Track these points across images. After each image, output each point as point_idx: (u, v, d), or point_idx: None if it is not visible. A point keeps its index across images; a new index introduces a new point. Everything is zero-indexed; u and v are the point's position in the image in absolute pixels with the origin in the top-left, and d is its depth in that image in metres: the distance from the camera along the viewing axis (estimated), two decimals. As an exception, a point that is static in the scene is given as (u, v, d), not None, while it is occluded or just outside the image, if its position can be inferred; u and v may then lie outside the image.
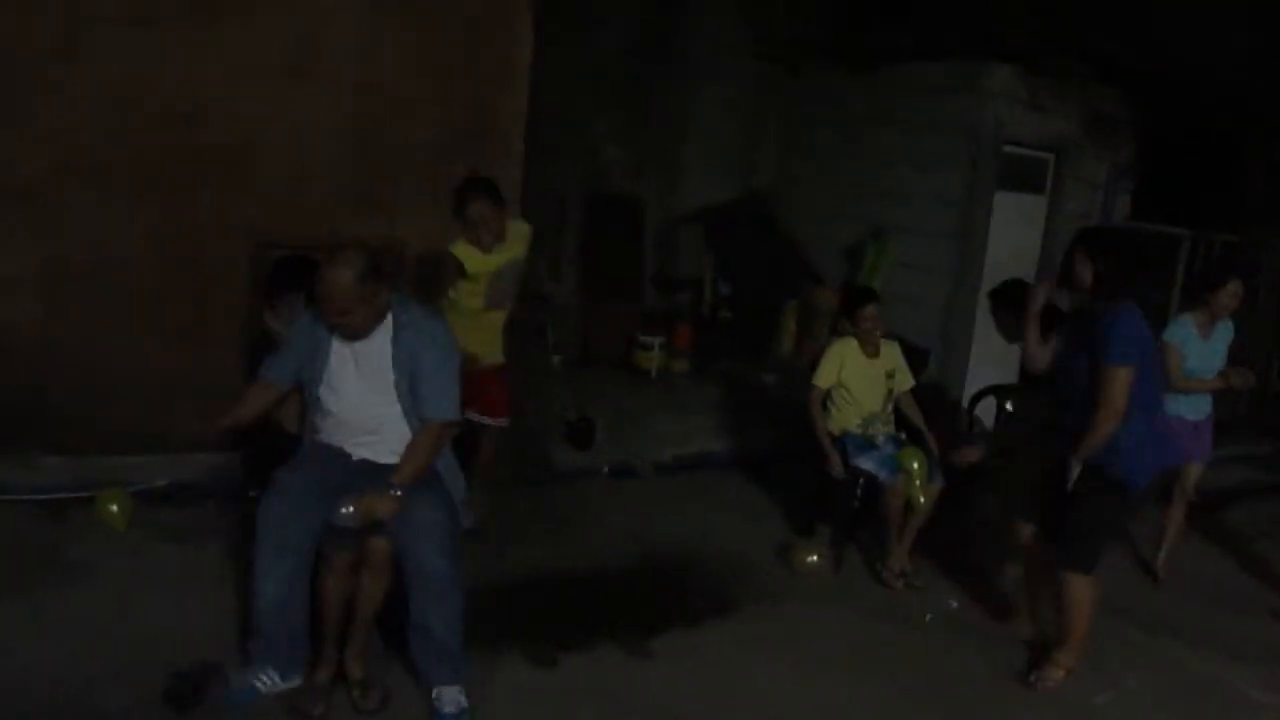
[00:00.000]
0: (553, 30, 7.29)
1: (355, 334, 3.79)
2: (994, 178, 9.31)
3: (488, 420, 5.55)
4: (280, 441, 4.15)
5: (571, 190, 9.80)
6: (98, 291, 5.78)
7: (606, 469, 7.06)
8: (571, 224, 9.90)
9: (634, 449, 7.43)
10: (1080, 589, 4.64)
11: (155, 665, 3.90)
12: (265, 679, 3.78)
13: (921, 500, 5.59)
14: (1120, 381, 4.29)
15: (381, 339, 3.82)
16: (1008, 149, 9.36)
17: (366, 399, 3.86)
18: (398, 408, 3.87)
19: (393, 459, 3.85)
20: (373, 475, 3.80)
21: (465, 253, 5.16)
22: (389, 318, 3.83)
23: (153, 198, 5.86)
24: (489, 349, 5.45)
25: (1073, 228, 9.78)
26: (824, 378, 5.87)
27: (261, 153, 6.10)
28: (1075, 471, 4.44)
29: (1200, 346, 5.92)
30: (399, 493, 3.68)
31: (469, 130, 6.62)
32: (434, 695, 3.84)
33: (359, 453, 3.93)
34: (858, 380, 5.86)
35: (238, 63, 5.95)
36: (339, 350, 3.86)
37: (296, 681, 3.84)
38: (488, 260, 5.21)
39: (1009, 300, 5.30)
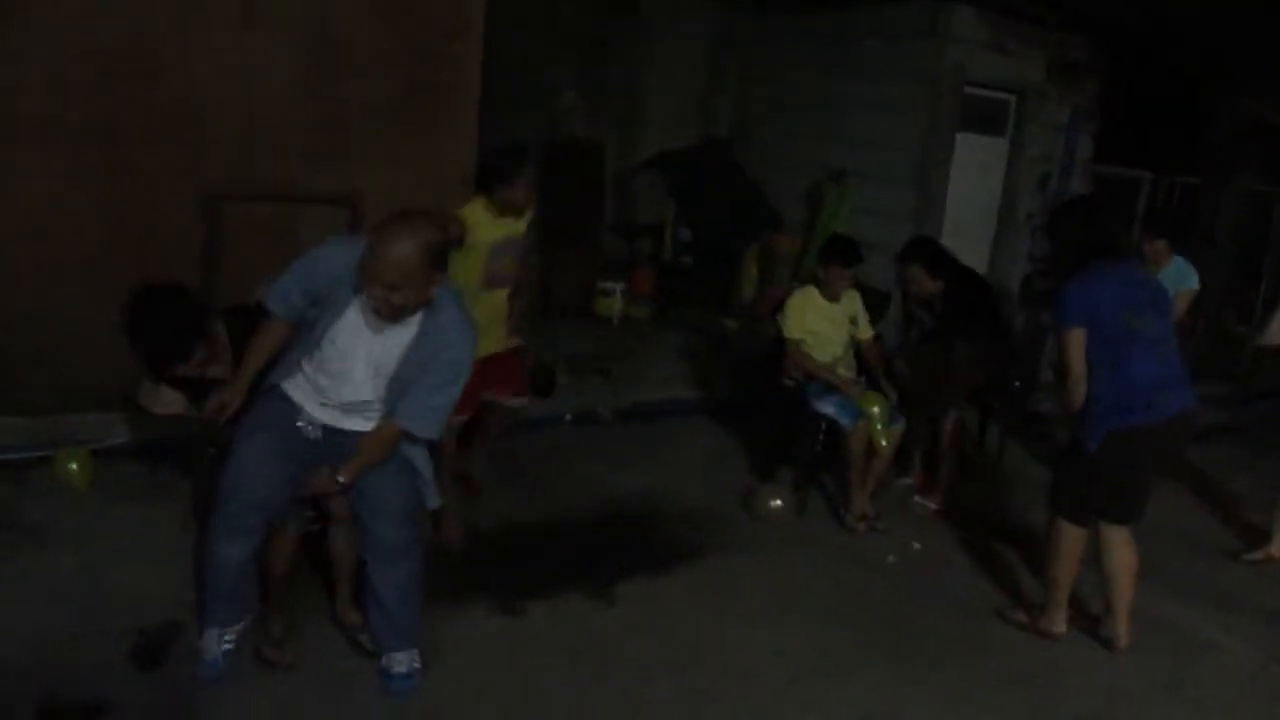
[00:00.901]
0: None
1: (388, 317, 3.36)
2: (955, 120, 9.31)
3: (503, 400, 5.27)
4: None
5: (530, 137, 9.71)
6: (49, 250, 5.66)
7: (569, 417, 7.07)
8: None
9: (596, 396, 7.44)
10: (1053, 529, 4.74)
11: (120, 625, 3.90)
12: (230, 640, 3.77)
13: (884, 443, 5.66)
14: (1066, 344, 4.44)
15: (403, 335, 3.43)
16: (969, 90, 9.35)
17: (358, 383, 3.51)
18: (382, 402, 3.54)
19: (362, 427, 3.59)
20: (335, 444, 3.59)
21: (476, 217, 4.81)
22: (420, 314, 3.42)
23: (102, 153, 5.73)
24: (496, 334, 5.06)
25: (1035, 169, 9.92)
26: (794, 329, 5.89)
27: (212, 106, 5.96)
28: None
29: None
30: (343, 482, 3.50)
31: (424, 80, 6.53)
32: (383, 661, 3.84)
33: (327, 415, 3.59)
34: (821, 325, 5.89)
35: (187, 13, 5.82)
36: (354, 320, 3.44)
37: (246, 622, 3.82)
38: (490, 231, 4.83)
39: (918, 258, 5.91)
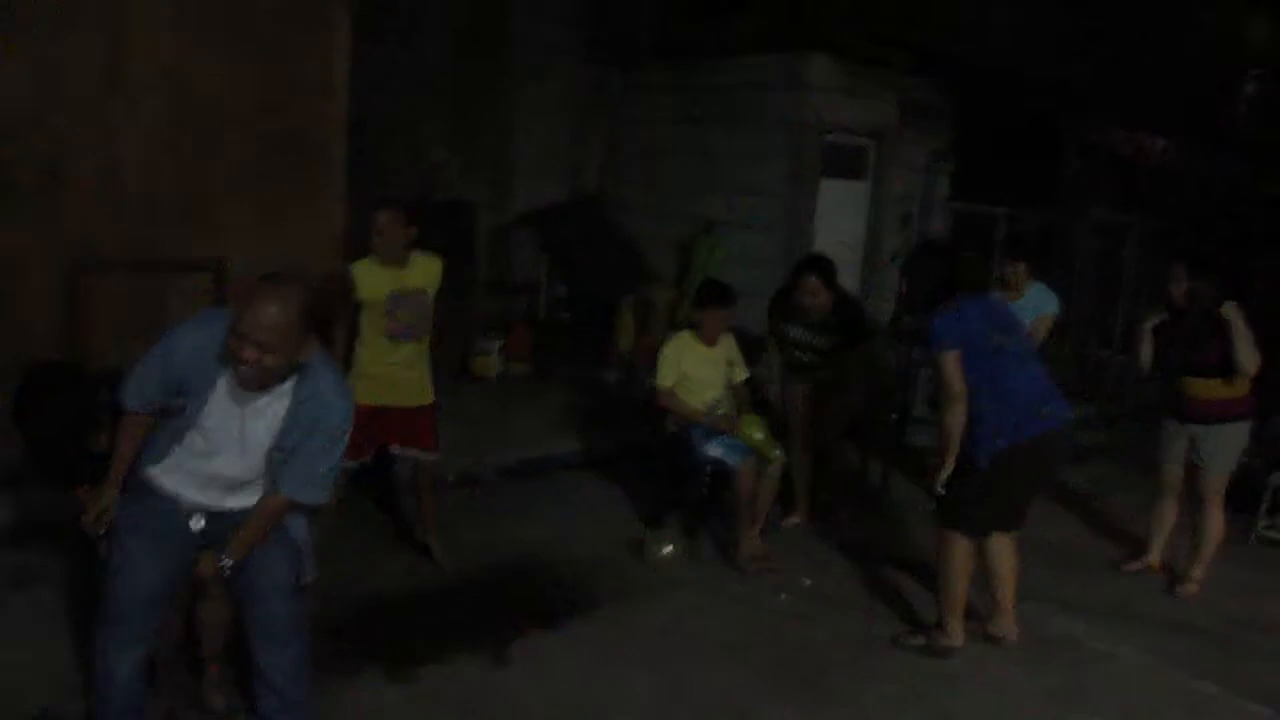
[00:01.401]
0: (377, 35, 7.17)
1: (259, 383, 3.22)
2: (817, 166, 9.54)
3: (412, 453, 5.30)
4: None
5: (401, 197, 9.63)
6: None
7: (451, 478, 6.96)
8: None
9: (478, 456, 7.35)
10: (946, 546, 4.91)
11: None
12: None
13: (777, 453, 5.82)
14: (944, 365, 4.69)
15: (278, 405, 3.29)
16: (830, 138, 9.59)
17: (238, 460, 3.36)
18: (263, 476, 3.41)
19: (247, 503, 3.46)
20: (220, 529, 3.44)
21: (365, 272, 4.96)
22: (292, 380, 3.29)
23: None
24: (402, 390, 5.14)
25: (897, 211, 10.19)
26: (666, 377, 5.92)
27: (75, 169, 5.82)
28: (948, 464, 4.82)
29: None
30: (229, 565, 3.36)
31: (291, 138, 6.48)
32: None
33: (208, 498, 3.43)
34: (699, 369, 5.92)
35: (48, 75, 5.69)
36: (224, 398, 3.29)
37: None
38: (379, 284, 4.94)
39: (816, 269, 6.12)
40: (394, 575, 5.38)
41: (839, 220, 9.83)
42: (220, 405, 3.29)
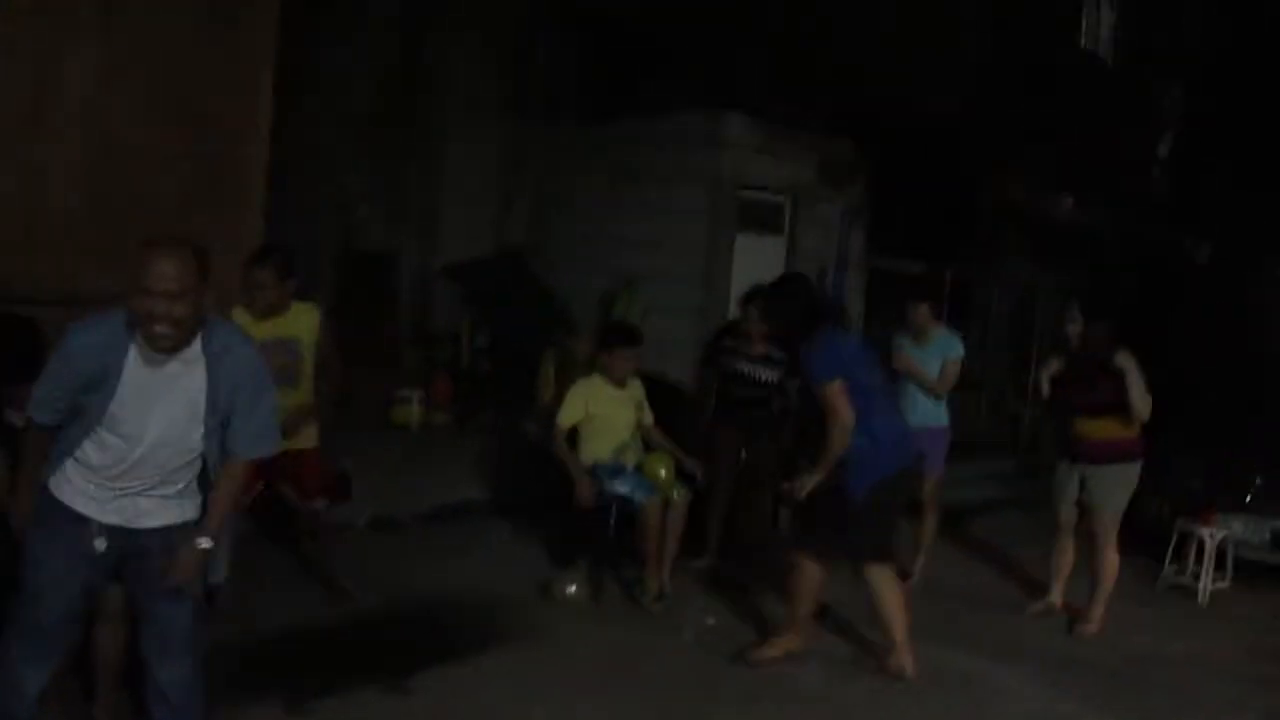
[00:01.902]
0: (304, 84, 7.26)
1: (172, 342, 3.21)
2: (734, 222, 9.78)
3: (304, 504, 5.41)
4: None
5: (324, 247, 9.71)
6: None
7: (364, 521, 6.98)
8: (324, 281, 9.78)
9: (394, 501, 7.38)
10: (802, 575, 5.13)
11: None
12: None
13: (676, 496, 5.89)
14: (832, 394, 4.80)
15: (194, 369, 3.29)
16: (745, 194, 9.83)
17: (170, 436, 3.31)
18: (200, 452, 3.39)
19: (178, 516, 3.44)
20: (128, 550, 3.41)
21: (237, 318, 4.91)
22: (197, 342, 3.28)
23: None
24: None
25: (811, 265, 10.41)
26: (567, 416, 6.04)
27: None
28: (809, 481, 4.92)
29: (912, 350, 6.63)
30: (207, 543, 3.38)
31: (211, 181, 6.56)
32: None
33: (120, 514, 3.37)
34: (607, 409, 6.03)
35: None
36: (136, 374, 3.25)
37: None
38: (256, 329, 4.85)
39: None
40: (303, 609, 5.38)
41: (755, 274, 9.93)
42: (133, 382, 3.25)
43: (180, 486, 3.43)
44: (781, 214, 10.36)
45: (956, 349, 6.76)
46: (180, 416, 3.31)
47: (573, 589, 5.87)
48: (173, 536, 3.39)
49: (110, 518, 3.37)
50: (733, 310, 9.54)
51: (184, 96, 6.47)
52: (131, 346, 3.24)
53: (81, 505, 3.36)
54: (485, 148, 11.14)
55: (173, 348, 3.22)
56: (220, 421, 3.35)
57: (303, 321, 5.23)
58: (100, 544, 3.36)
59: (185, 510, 3.46)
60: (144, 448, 3.30)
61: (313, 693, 4.46)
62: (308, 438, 5.30)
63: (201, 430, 3.34)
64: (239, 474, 3.47)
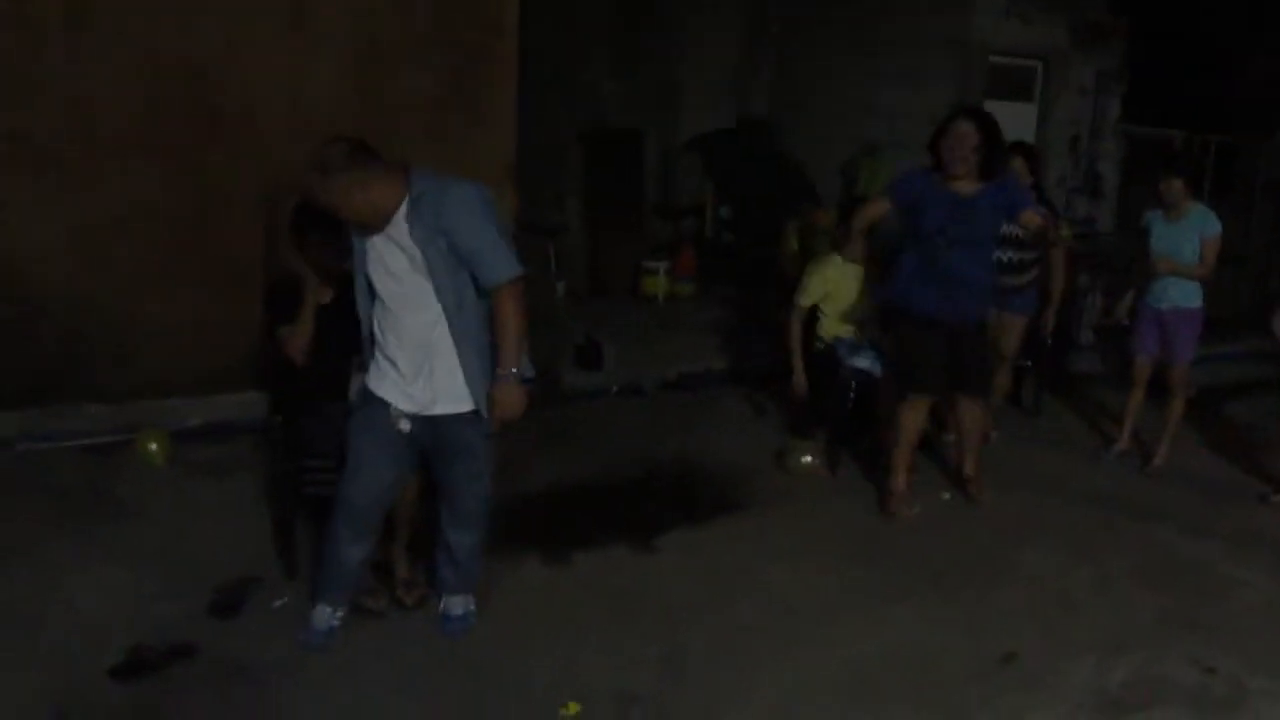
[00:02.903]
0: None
1: (368, 228, 3.63)
2: (982, 89, 9.51)
3: None
4: (298, 374, 4.36)
5: (571, 126, 10.04)
6: (127, 247, 6.05)
7: (615, 388, 7.40)
8: (572, 158, 10.15)
9: (641, 369, 7.75)
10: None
11: (201, 583, 4.30)
12: (340, 616, 4.02)
13: None
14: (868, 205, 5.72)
15: (399, 225, 3.59)
16: (996, 59, 9.54)
17: (404, 301, 3.70)
18: (437, 309, 3.67)
19: (453, 406, 3.78)
20: (429, 433, 3.84)
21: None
22: (405, 197, 3.59)
23: (168, 156, 6.10)
24: None
25: (1064, 133, 10.08)
26: (808, 296, 6.21)
27: (263, 107, 6.31)
28: None
29: (1164, 229, 6.32)
30: (515, 373, 3.70)
31: (464, 75, 6.84)
32: (441, 606, 4.17)
33: (413, 403, 3.78)
34: (844, 289, 6.18)
35: (235, 19, 6.17)
36: (371, 248, 3.70)
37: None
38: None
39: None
40: (553, 472, 5.83)
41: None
42: (372, 263, 3.72)
43: (434, 368, 3.76)
44: (1033, 80, 10.01)
45: (1214, 225, 6.40)
46: (406, 274, 3.69)
47: (808, 459, 6.08)
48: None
49: (407, 405, 3.81)
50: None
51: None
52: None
53: (384, 392, 3.83)
54: (727, 19, 11.14)
55: (373, 230, 3.67)
56: (446, 263, 3.63)
57: None
58: (404, 425, 3.82)
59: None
60: (390, 320, 3.79)
61: (568, 547, 4.92)
62: None
63: (428, 282, 3.65)
64: (508, 297, 3.67)
